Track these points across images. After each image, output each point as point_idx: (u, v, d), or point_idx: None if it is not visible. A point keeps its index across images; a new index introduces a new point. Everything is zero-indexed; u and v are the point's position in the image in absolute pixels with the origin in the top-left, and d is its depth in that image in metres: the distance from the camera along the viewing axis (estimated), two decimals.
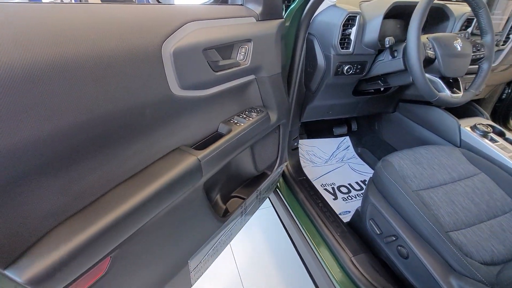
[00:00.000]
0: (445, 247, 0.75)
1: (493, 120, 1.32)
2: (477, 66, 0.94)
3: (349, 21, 0.90)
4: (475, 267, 0.70)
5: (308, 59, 1.06)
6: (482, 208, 0.85)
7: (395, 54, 0.95)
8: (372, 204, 0.93)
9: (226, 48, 0.66)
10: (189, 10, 0.56)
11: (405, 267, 0.82)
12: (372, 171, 1.58)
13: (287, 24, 0.95)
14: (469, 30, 1.02)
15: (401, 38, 0.96)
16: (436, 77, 0.88)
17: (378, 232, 0.90)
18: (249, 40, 0.70)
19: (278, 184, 1.25)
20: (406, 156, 0.98)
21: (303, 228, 1.06)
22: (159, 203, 0.52)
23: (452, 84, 0.90)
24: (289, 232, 1.20)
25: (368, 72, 1.05)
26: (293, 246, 1.17)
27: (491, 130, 1.12)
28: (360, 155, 1.66)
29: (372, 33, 0.93)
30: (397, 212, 0.86)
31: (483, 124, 1.15)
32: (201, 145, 0.67)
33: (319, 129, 1.70)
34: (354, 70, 1.01)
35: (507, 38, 1.18)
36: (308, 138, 1.67)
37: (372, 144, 1.62)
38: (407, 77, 0.98)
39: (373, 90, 1.26)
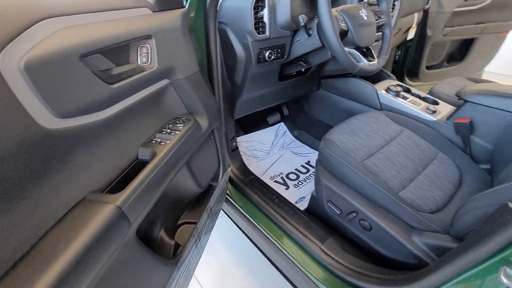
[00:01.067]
0: (399, 208, 0.77)
1: None
2: (381, 32, 1.00)
3: (258, 3, 0.83)
4: (428, 219, 0.74)
5: (225, 51, 0.96)
6: (416, 161, 0.92)
7: (310, 32, 0.93)
8: (326, 186, 0.91)
9: (118, 51, 0.50)
10: (45, 1, 0.38)
11: (371, 239, 0.83)
12: (312, 151, 1.62)
13: (192, 15, 0.82)
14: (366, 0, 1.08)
15: (312, 15, 0.94)
16: (351, 48, 0.90)
17: (338, 212, 0.90)
18: (148, 37, 0.55)
19: (227, 192, 1.14)
20: (343, 130, 1.00)
21: (265, 230, 0.99)
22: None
23: (366, 53, 0.93)
24: (251, 238, 1.11)
25: (288, 55, 1.02)
26: (260, 252, 1.09)
27: (401, 89, 1.24)
28: (297, 138, 1.68)
29: (283, 13, 0.89)
30: (350, 187, 0.86)
31: (393, 85, 1.27)
32: (119, 183, 0.50)
33: (253, 122, 1.64)
34: (275, 55, 0.96)
35: (393, 5, 1.32)
36: (245, 133, 1.60)
37: (306, 124, 1.65)
38: (325, 53, 0.98)
39: (295, 73, 1.25)
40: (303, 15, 0.87)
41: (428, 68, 2.07)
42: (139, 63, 0.55)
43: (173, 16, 0.64)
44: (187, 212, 0.85)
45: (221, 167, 0.96)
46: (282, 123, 1.73)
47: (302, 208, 1.14)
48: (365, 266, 0.78)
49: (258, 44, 0.90)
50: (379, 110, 1.26)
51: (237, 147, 1.27)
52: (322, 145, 0.95)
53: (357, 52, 0.89)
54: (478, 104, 0.98)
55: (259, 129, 1.64)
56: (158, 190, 0.55)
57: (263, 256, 1.09)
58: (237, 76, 1.00)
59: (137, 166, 0.56)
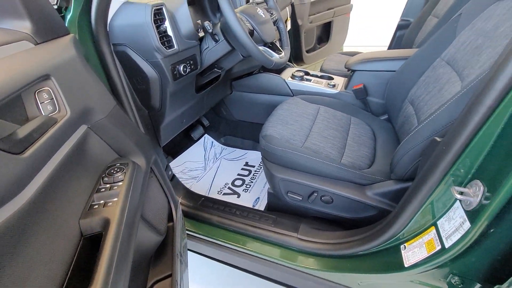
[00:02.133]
0: (347, 173, 0.87)
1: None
2: (276, 27, 1.08)
3: (157, 16, 0.76)
4: (370, 173, 0.87)
5: (132, 76, 0.83)
6: (340, 129, 1.06)
7: (217, 38, 0.91)
8: (281, 179, 0.93)
9: (6, 106, 0.35)
10: None
11: (336, 209, 0.91)
12: (245, 151, 1.64)
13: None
14: (251, 0, 1.15)
15: (214, 21, 0.93)
16: (261, 45, 0.93)
17: (300, 199, 0.94)
18: (46, 77, 0.41)
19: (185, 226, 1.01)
20: (275, 122, 1.04)
21: (240, 247, 0.94)
22: None
23: (273, 47, 0.99)
24: (229, 262, 1.03)
25: (201, 64, 0.97)
26: (244, 272, 1.03)
27: (303, 74, 1.39)
28: (226, 144, 1.66)
29: (185, 23, 0.84)
30: (302, 172, 0.91)
31: (295, 72, 1.41)
32: (76, 278, 0.36)
33: (177, 143, 1.52)
34: (189, 67, 0.90)
35: None
36: (174, 158, 1.46)
37: (229, 128, 1.64)
38: (237, 55, 0.99)
39: (208, 81, 1.22)
40: (208, 21, 0.84)
41: (307, 52, 2.41)
42: (43, 113, 0.40)
43: (64, 45, 0.50)
44: (153, 269, 0.71)
45: (171, 203, 0.85)
46: (206, 135, 1.66)
47: (262, 209, 1.14)
48: (341, 235, 0.85)
49: (170, 60, 0.82)
50: (292, 96, 1.38)
51: (173, 175, 1.14)
52: (263, 142, 0.97)
53: (267, 49, 0.93)
54: (363, 71, 1.20)
55: (186, 148, 1.54)
56: (128, 265, 0.43)
57: (249, 275, 1.03)
58: (154, 100, 0.89)
59: (85, 246, 0.42)
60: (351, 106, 1.21)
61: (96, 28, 0.70)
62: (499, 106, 0.46)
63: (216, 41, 0.92)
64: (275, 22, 1.05)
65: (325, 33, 2.56)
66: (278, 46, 1.02)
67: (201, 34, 0.90)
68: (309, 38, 2.42)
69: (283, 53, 0.99)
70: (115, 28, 0.75)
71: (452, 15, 1.17)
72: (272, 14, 1.03)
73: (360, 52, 1.87)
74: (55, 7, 0.66)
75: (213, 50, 0.94)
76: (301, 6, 2.10)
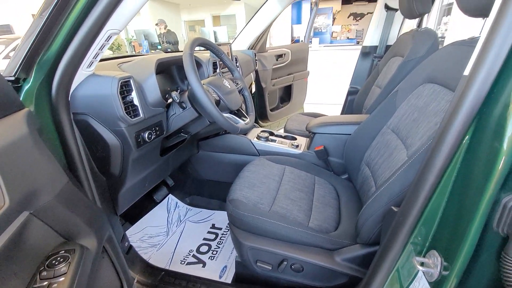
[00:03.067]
0: (315, 238, 0.86)
1: None
2: (241, 95, 1.16)
3: (124, 87, 0.77)
4: (336, 237, 0.87)
5: (92, 144, 0.79)
6: (305, 190, 1.08)
7: (184, 105, 0.94)
8: (250, 247, 0.89)
9: None
10: None
11: (307, 278, 0.87)
12: (212, 212, 1.57)
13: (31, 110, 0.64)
14: (218, 70, 1.24)
15: (182, 87, 0.97)
16: (227, 113, 0.98)
17: (270, 268, 0.89)
18: None
19: None
20: (241, 185, 1.04)
21: None
22: None
23: (239, 114, 1.05)
24: None
25: (167, 129, 0.98)
26: None
27: (268, 134, 1.46)
28: (192, 204, 1.58)
29: (153, 92, 0.86)
30: (271, 238, 0.89)
31: (260, 132, 1.48)
32: None
33: (137, 207, 1.41)
34: (155, 133, 0.89)
35: None
36: (133, 224, 1.33)
37: (196, 187, 1.59)
38: (204, 121, 1.01)
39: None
40: (175, 92, 0.87)
41: (271, 110, 2.58)
42: None
43: (15, 124, 0.47)
44: None
45: (124, 284, 0.74)
46: (170, 195, 1.58)
47: (229, 280, 1.04)
48: None
49: (134, 128, 0.81)
50: (258, 155, 1.41)
51: (130, 246, 1.03)
52: (230, 207, 0.94)
53: (232, 116, 0.98)
54: (323, 133, 1.30)
55: (147, 212, 1.42)
56: None
57: None
58: (114, 167, 0.85)
59: None
60: (314, 166, 1.27)
61: (57, 99, 0.68)
62: (442, 180, 0.52)
63: (184, 108, 0.95)
64: (240, 91, 1.13)
65: (286, 94, 2.81)
66: (244, 112, 1.08)
67: (169, 100, 0.93)
68: (273, 98, 2.63)
69: (248, 119, 1.05)
70: (78, 98, 0.74)
71: (390, 87, 1.37)
72: (237, 84, 1.12)
73: (318, 113, 2.06)
74: (12, 78, 0.64)
75: (180, 116, 0.96)
76: (264, 71, 2.32)
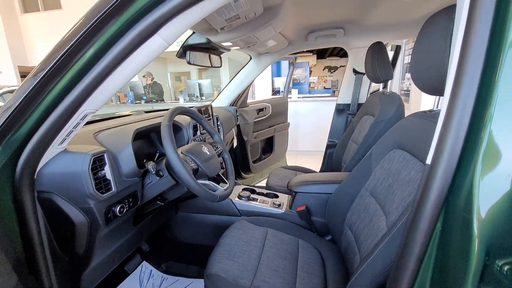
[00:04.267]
0: None
1: None
2: (221, 158, 1.16)
3: (96, 162, 0.74)
4: None
5: (55, 222, 0.73)
6: (288, 257, 1.03)
7: (161, 174, 0.92)
8: None
9: None
10: None
11: None
12: (190, 280, 1.43)
13: None
14: (198, 133, 1.26)
15: (161, 150, 0.96)
16: (205, 180, 0.96)
17: None
18: None
19: None
20: (221, 256, 0.97)
21: None
22: None
23: (218, 179, 1.03)
24: None
25: (142, 198, 0.93)
26: None
27: (249, 193, 1.44)
28: (168, 272, 1.45)
29: (128, 163, 0.84)
30: None
31: (242, 191, 1.45)
32: None
33: (105, 278, 1.26)
34: (127, 205, 0.85)
35: (218, 127, 1.62)
36: None
37: (173, 253, 1.47)
38: (182, 188, 0.99)
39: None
40: (151, 162, 0.86)
41: (254, 162, 2.60)
42: None
43: None
44: None
45: None
46: (144, 263, 1.45)
47: None
48: None
49: (105, 203, 0.76)
50: (239, 215, 1.37)
51: None
52: (208, 283, 0.87)
53: (211, 183, 0.96)
54: (304, 192, 1.30)
55: (117, 285, 1.28)
56: None
57: None
58: (79, 246, 0.77)
59: None
60: (297, 227, 1.24)
61: (20, 179, 0.64)
62: (421, 266, 0.50)
63: (160, 176, 0.92)
64: (220, 154, 1.14)
65: (268, 145, 2.87)
66: (223, 177, 1.07)
67: (146, 167, 0.90)
68: (255, 150, 2.67)
69: (227, 184, 1.03)
70: (45, 175, 0.70)
71: (365, 145, 1.44)
72: (217, 147, 1.13)
73: (299, 167, 2.09)
74: None
75: (156, 185, 0.93)
76: (245, 125, 2.39)
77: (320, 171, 2.22)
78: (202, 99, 5.71)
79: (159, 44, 0.61)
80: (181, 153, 0.92)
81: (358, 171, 1.09)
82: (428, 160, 0.48)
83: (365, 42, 1.78)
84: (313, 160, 4.22)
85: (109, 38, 0.58)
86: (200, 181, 0.93)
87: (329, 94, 6.82)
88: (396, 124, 0.99)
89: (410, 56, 4.15)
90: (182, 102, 5.63)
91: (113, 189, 0.78)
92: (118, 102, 6.48)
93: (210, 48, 1.29)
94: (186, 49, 1.18)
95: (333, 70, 11.37)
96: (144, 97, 5.87)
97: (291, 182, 1.37)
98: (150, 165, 0.84)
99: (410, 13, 1.48)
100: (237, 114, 2.20)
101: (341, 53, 9.77)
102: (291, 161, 4.01)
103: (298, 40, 1.84)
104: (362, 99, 1.97)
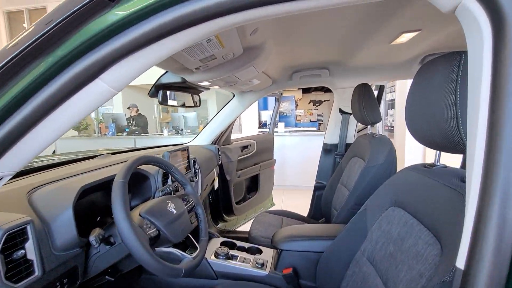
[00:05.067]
0: None
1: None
2: (194, 213, 0.99)
3: (17, 237, 0.56)
4: None
5: None
6: None
7: (112, 241, 0.74)
8: None
9: None
10: None
11: None
12: None
13: None
14: (169, 181, 1.09)
15: (107, 219, 0.78)
16: (169, 247, 0.78)
17: None
18: None
19: None
20: None
21: None
22: None
23: (186, 243, 0.85)
24: None
25: (85, 274, 0.73)
26: None
27: (227, 250, 1.24)
28: None
29: (66, 233, 0.66)
30: None
31: (220, 247, 1.26)
32: None
33: None
34: None
35: (195, 173, 1.46)
36: None
37: None
38: None
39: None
40: (97, 230, 0.68)
41: (237, 203, 2.40)
42: None
43: None
44: None
45: None
46: None
47: None
48: None
49: None
50: (215, 278, 1.16)
51: None
52: None
53: (176, 250, 0.78)
54: (290, 250, 1.12)
55: None
56: None
57: None
58: None
59: None
60: None
61: None
62: None
63: (112, 244, 0.74)
64: (192, 209, 0.97)
65: (253, 184, 2.70)
66: (193, 239, 0.89)
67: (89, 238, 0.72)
68: (239, 190, 2.49)
69: (197, 250, 0.85)
70: None
71: (356, 192, 1.31)
72: (188, 201, 0.96)
73: (286, 211, 1.92)
74: None
75: (106, 255, 0.74)
76: (229, 163, 2.25)
77: (307, 215, 2.06)
78: (187, 131, 5.59)
79: (103, 91, 0.48)
80: (139, 215, 0.75)
81: (352, 229, 0.95)
82: (459, 263, 0.35)
83: (351, 82, 1.75)
84: (300, 196, 4.06)
85: (33, 80, 0.44)
86: (162, 249, 0.75)
87: (315, 128, 6.88)
88: (393, 177, 0.87)
89: (391, 93, 4.28)
90: (166, 135, 5.47)
91: (37, 272, 0.58)
92: (99, 134, 6.24)
93: (187, 87, 1.19)
94: (158, 88, 1.06)
95: (318, 104, 11.74)
96: (127, 129, 5.68)
97: (276, 237, 1.20)
98: (94, 235, 0.66)
99: (395, 57, 1.46)
100: (219, 152, 2.06)
101: (325, 88, 10.18)
102: (277, 197, 3.83)
103: (283, 79, 1.79)
104: (350, 139, 1.89)
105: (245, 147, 2.44)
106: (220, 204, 2.23)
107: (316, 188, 2.01)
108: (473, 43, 0.40)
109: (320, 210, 1.90)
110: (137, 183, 1.04)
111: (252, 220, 1.75)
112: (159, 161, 0.89)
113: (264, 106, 6.94)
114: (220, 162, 2.06)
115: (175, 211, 0.83)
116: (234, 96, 1.92)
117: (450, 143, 0.58)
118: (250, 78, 1.33)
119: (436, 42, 1.21)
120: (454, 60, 0.57)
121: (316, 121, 10.36)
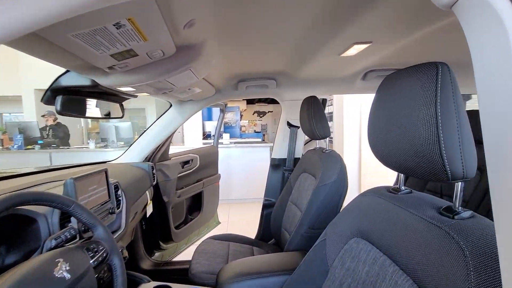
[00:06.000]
0: None
1: None
2: (107, 264, 0.72)
3: None
4: None
5: None
6: None
7: None
8: None
9: None
10: None
11: None
12: None
13: None
14: (71, 221, 0.79)
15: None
16: None
17: None
18: None
19: None
20: None
21: None
22: None
23: None
24: None
25: None
26: None
27: None
28: None
29: None
30: None
31: None
32: None
33: None
34: None
35: (118, 203, 1.15)
36: None
37: None
38: None
39: None
40: None
41: (177, 227, 2.10)
42: None
43: None
44: None
45: None
46: None
47: None
48: None
49: None
50: None
51: None
52: None
53: None
54: None
55: None
56: None
57: None
58: None
59: None
60: None
61: None
62: None
63: None
64: (104, 259, 0.69)
65: (196, 203, 2.43)
66: None
67: None
68: (179, 212, 2.19)
69: None
70: None
71: (310, 213, 1.20)
72: (97, 250, 0.69)
73: (233, 235, 1.72)
74: None
75: None
76: (166, 182, 1.95)
77: (256, 237, 1.90)
78: (120, 144, 4.92)
79: None
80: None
81: (311, 263, 0.81)
82: None
83: (298, 94, 1.69)
84: (247, 209, 3.91)
85: None
86: None
87: (259, 139, 6.91)
88: (354, 202, 0.77)
89: (328, 107, 4.55)
90: (93, 148, 4.71)
91: None
92: (1, 147, 5.04)
93: (102, 93, 0.91)
94: (56, 93, 0.77)
95: (262, 115, 12.01)
96: (40, 142, 4.70)
97: (222, 276, 0.99)
98: None
99: (341, 70, 1.45)
100: (154, 170, 1.76)
101: (269, 99, 10.48)
102: (223, 213, 3.59)
103: (228, 88, 1.63)
104: (298, 153, 1.82)
105: (186, 162, 2.18)
106: (156, 231, 1.90)
107: (265, 206, 1.88)
108: (489, 38, 0.29)
109: (269, 230, 1.76)
110: (17, 228, 0.72)
111: (195, 246, 1.50)
112: (48, 198, 0.61)
113: (209, 117, 6.67)
114: (155, 182, 1.75)
115: (68, 276, 0.55)
116: (171, 105, 1.66)
117: (430, 170, 0.48)
118: (188, 85, 1.12)
119: (382, 58, 1.22)
120: (430, 71, 0.48)
121: (260, 132, 10.52)
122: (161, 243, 1.98)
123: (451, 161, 0.45)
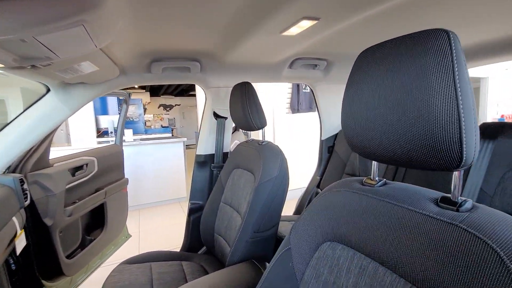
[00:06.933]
0: None
1: None
2: None
3: None
4: None
5: None
6: None
7: None
8: None
9: None
10: None
11: None
12: None
13: None
14: None
15: None
16: None
17: None
18: None
19: None
20: None
21: None
22: None
23: None
24: None
25: None
26: None
27: None
28: None
29: None
30: None
31: None
32: None
33: None
34: None
35: None
36: None
37: None
38: None
39: None
40: None
41: (69, 256, 1.57)
42: None
43: None
44: None
45: None
46: None
47: None
48: None
49: None
50: None
51: None
52: None
53: None
54: None
55: None
56: None
57: None
58: None
59: None
60: None
61: None
62: None
63: None
64: None
65: (97, 219, 1.91)
66: None
67: None
68: (71, 235, 1.65)
69: None
70: None
71: (254, 215, 1.05)
72: None
73: (155, 254, 1.41)
74: None
75: None
76: (48, 199, 1.41)
77: (182, 248, 1.63)
78: None
79: None
80: None
81: (274, 281, 0.67)
82: None
83: (227, 81, 1.50)
84: (160, 213, 3.45)
85: None
86: None
87: (169, 134, 6.33)
88: (318, 201, 0.66)
89: None
90: None
91: None
92: None
93: None
94: None
95: (168, 108, 11.10)
96: None
97: None
98: None
99: (272, 56, 1.34)
100: (26, 185, 1.22)
101: (176, 92, 9.74)
102: (133, 223, 3.04)
103: (137, 69, 1.27)
104: (227, 147, 1.65)
105: (79, 168, 1.66)
106: (34, 269, 1.35)
107: (192, 211, 1.62)
108: None
109: (198, 238, 1.53)
110: None
111: (101, 273, 1.11)
112: None
113: (103, 110, 5.56)
114: (28, 202, 1.21)
115: None
116: (49, 90, 1.17)
117: (441, 156, 0.41)
118: (79, 57, 0.76)
119: (309, 47, 1.18)
120: (441, 37, 0.39)
121: (168, 127, 9.72)
122: (44, 282, 1.43)
123: (469, 145, 0.38)
